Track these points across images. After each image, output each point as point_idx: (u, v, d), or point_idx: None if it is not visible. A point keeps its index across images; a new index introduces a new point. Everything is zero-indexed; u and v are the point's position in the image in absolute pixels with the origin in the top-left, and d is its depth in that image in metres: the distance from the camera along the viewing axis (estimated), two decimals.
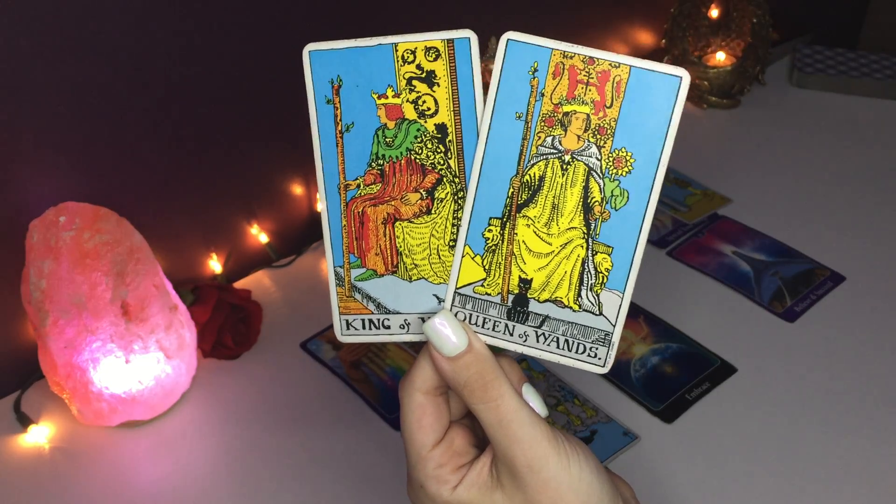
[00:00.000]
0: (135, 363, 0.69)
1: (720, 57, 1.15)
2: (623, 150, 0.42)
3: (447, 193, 0.45)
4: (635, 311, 0.82)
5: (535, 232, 0.44)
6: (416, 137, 0.44)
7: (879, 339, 0.79)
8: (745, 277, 0.86)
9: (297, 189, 0.90)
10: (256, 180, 0.87)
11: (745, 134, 1.10)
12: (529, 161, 0.43)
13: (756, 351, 0.78)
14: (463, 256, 0.45)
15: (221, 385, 0.76)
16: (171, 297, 0.72)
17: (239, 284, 0.87)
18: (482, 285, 0.45)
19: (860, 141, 1.09)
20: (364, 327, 0.47)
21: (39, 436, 0.71)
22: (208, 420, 0.73)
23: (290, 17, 0.80)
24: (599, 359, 0.44)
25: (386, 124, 0.44)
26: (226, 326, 0.77)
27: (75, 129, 0.71)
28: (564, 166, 0.43)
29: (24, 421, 0.72)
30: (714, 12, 1.15)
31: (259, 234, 0.89)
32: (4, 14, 0.64)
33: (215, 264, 0.86)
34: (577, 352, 0.45)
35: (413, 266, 0.46)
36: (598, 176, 0.43)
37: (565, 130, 0.42)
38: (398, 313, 0.46)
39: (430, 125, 0.44)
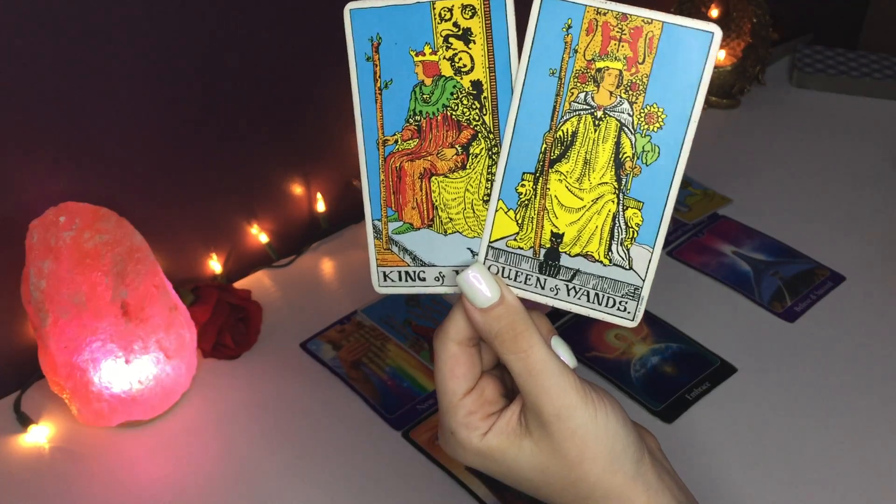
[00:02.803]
0: (135, 363, 0.69)
1: (720, 57, 1.16)
2: (655, 105, 0.42)
3: (482, 149, 0.45)
4: None
5: (567, 187, 0.44)
6: (452, 94, 0.45)
7: (879, 339, 0.79)
8: (745, 277, 0.86)
9: (297, 189, 0.90)
10: (256, 180, 0.87)
11: (745, 134, 1.10)
12: (562, 117, 0.43)
13: (756, 351, 0.78)
14: (496, 211, 0.45)
15: (221, 385, 0.76)
16: (171, 297, 0.72)
17: (239, 284, 0.87)
18: (515, 239, 0.45)
19: (860, 141, 1.09)
20: (400, 279, 0.48)
21: (39, 436, 0.71)
22: (208, 420, 0.73)
23: (291, 18, 0.80)
24: (629, 312, 0.45)
25: (423, 81, 0.45)
26: (226, 326, 0.77)
27: (75, 129, 0.71)
28: (597, 122, 0.43)
29: (24, 421, 0.72)
30: (714, 12, 1.15)
31: (259, 234, 0.89)
32: (4, 14, 0.64)
33: (215, 264, 0.86)
34: (607, 305, 0.45)
35: (448, 220, 0.46)
36: (630, 131, 0.43)
37: (598, 86, 0.43)
38: (433, 266, 0.47)
39: (465, 82, 0.45)
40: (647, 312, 0.82)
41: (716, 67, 1.13)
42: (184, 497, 0.67)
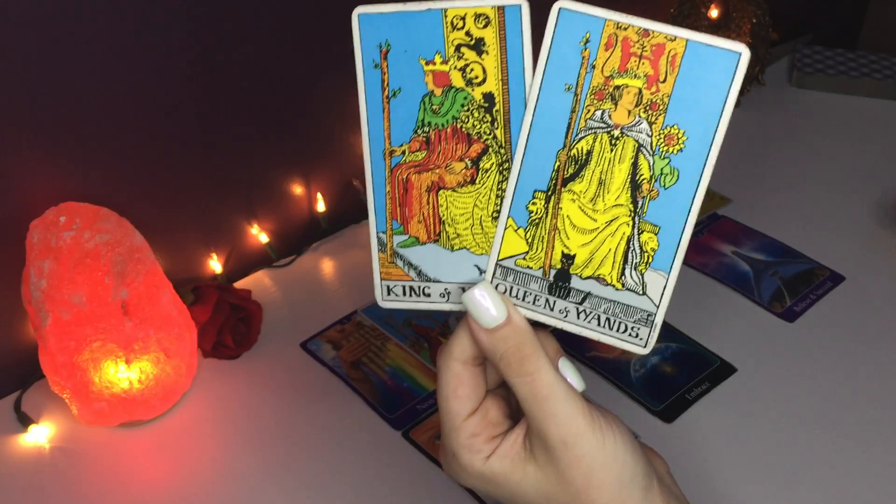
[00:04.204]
0: (135, 363, 0.69)
1: None
2: (675, 127, 0.41)
3: (492, 164, 0.44)
4: None
5: (580, 207, 0.43)
6: (462, 106, 0.44)
7: (879, 339, 0.79)
8: (744, 277, 0.86)
9: (297, 189, 0.90)
10: (256, 180, 0.87)
11: (744, 134, 1.10)
12: (577, 134, 0.42)
13: (756, 351, 0.78)
14: (506, 228, 0.44)
15: (221, 385, 0.76)
16: (171, 296, 0.72)
17: (239, 284, 0.87)
18: (524, 258, 0.44)
19: (860, 141, 1.09)
20: (404, 294, 0.47)
21: (40, 436, 0.71)
22: (208, 420, 0.73)
23: (292, 17, 0.80)
24: (641, 339, 0.44)
25: (433, 91, 0.44)
26: (226, 326, 0.77)
27: (75, 128, 0.71)
28: (613, 141, 0.42)
29: (24, 421, 0.72)
30: (714, 12, 1.15)
31: (259, 234, 0.89)
32: (4, 14, 0.64)
33: (215, 264, 0.86)
34: (618, 330, 0.44)
35: (455, 235, 0.45)
36: (648, 153, 0.41)
37: (616, 104, 0.41)
38: (439, 282, 0.46)
39: (477, 94, 0.43)
40: None
41: None
42: (184, 497, 0.67)
